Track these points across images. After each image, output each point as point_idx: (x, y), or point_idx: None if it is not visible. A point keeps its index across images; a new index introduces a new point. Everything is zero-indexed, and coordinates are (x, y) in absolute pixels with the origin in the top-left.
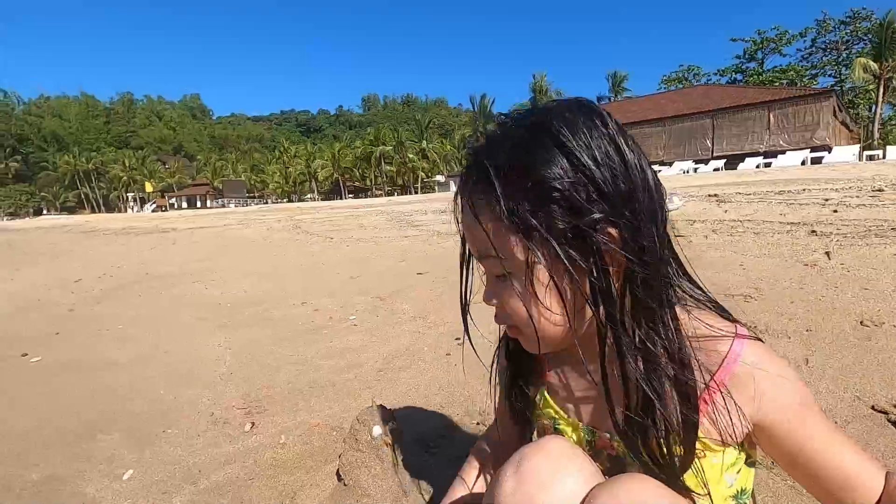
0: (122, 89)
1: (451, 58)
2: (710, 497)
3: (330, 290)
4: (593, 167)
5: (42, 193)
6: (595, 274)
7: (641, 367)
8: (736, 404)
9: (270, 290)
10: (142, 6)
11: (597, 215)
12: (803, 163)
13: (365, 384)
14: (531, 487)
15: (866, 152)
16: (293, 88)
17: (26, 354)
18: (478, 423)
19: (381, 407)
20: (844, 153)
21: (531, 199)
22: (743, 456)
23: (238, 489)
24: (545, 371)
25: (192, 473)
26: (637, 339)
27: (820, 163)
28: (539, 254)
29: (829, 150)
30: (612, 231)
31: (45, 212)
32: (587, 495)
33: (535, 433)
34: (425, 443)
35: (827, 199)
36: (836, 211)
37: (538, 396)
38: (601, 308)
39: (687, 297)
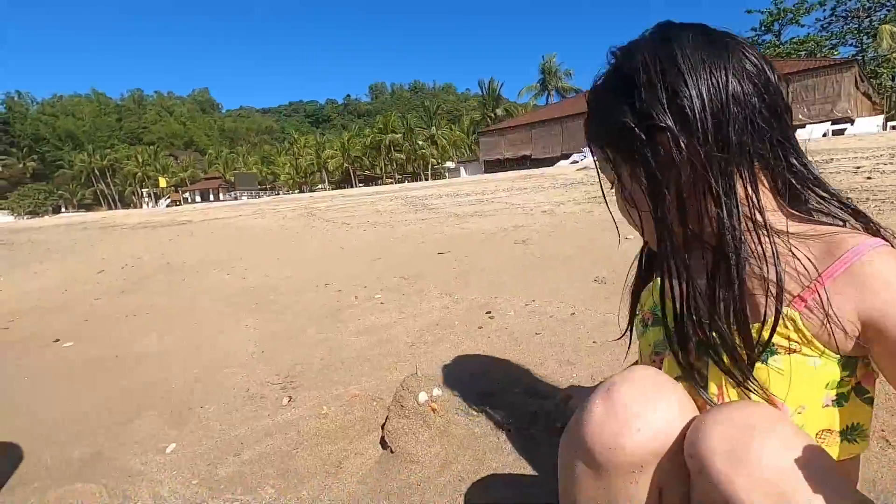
0: (132, 86)
1: (457, 43)
2: (792, 406)
3: (352, 272)
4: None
5: (59, 192)
6: (658, 169)
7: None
8: (836, 313)
9: (292, 275)
10: (148, 3)
11: (660, 117)
12: (825, 135)
13: (398, 358)
14: (622, 416)
15: (890, 123)
16: (300, 79)
17: (58, 340)
18: (519, 390)
19: (426, 375)
20: (867, 124)
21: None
22: (849, 380)
23: (282, 459)
24: None
25: (235, 445)
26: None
27: (842, 135)
28: (620, 155)
29: (852, 122)
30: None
31: (63, 209)
32: (690, 425)
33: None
34: (469, 410)
35: (858, 167)
36: (869, 178)
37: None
38: (666, 204)
39: (817, 200)
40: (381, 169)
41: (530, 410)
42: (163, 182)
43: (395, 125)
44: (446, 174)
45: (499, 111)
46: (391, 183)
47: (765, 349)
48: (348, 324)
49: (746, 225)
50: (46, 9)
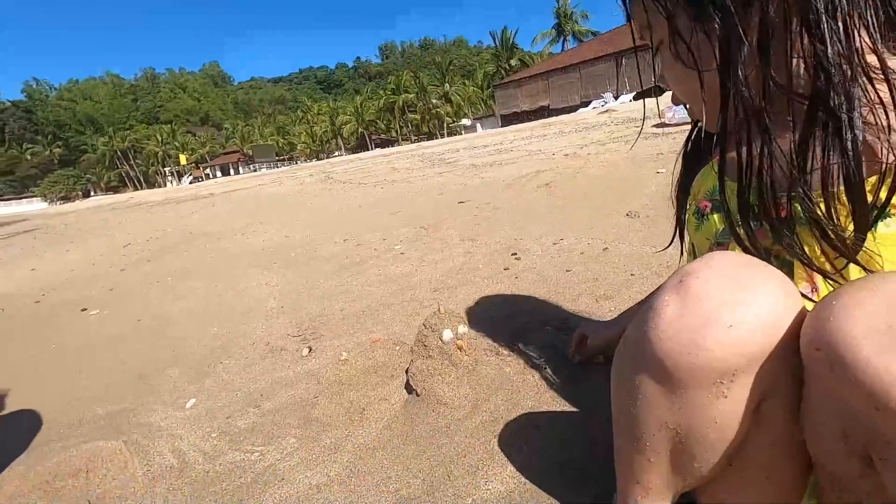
0: (143, 64)
1: None
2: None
3: (370, 227)
4: None
5: (87, 176)
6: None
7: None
8: None
9: (311, 233)
10: None
11: None
12: None
13: (421, 304)
14: (706, 310)
15: None
16: (309, 45)
17: (85, 309)
18: (552, 328)
19: (449, 312)
20: None
21: None
22: None
23: (304, 408)
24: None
25: (254, 397)
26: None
27: None
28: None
29: None
30: None
31: (92, 193)
32: (803, 314)
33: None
34: (499, 350)
35: None
36: None
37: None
38: (744, 51)
39: None
40: (396, 131)
41: (567, 349)
42: (183, 159)
43: (407, 85)
44: (462, 132)
45: (513, 62)
46: (407, 144)
47: (882, 212)
48: (368, 274)
49: (851, 66)
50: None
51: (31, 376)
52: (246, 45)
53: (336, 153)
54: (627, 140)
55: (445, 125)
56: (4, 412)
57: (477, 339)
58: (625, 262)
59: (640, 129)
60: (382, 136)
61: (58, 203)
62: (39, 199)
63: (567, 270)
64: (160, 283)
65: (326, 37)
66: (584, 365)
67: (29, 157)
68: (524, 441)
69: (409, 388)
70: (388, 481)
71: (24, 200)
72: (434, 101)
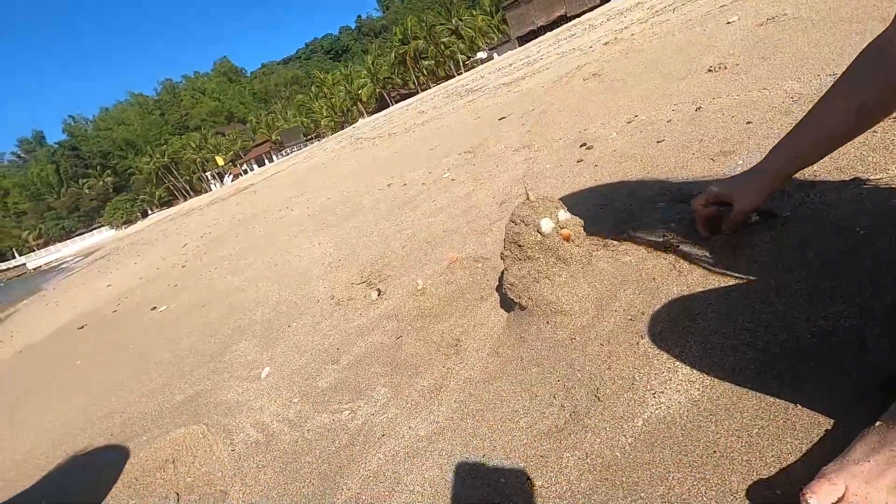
0: (160, 77)
1: None
2: None
3: (411, 166)
4: None
5: (140, 197)
6: None
7: None
8: None
9: (351, 189)
10: None
11: None
12: None
13: (490, 219)
14: None
15: None
16: (309, 17)
17: (155, 308)
18: (665, 202)
19: (543, 198)
20: None
21: None
22: None
23: (388, 353)
24: None
25: (331, 353)
26: None
27: None
28: None
29: None
30: None
31: (149, 212)
32: None
33: None
34: (607, 242)
35: None
36: None
37: None
38: None
39: None
40: (413, 82)
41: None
42: (220, 160)
43: (414, 31)
44: (480, 64)
45: None
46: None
47: None
48: (422, 208)
49: None
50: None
51: (113, 378)
52: (249, 31)
53: (359, 119)
54: (675, 7)
55: (461, 63)
56: (93, 418)
57: (579, 232)
58: (731, 113)
59: None
60: (401, 90)
61: (122, 227)
62: (107, 227)
63: (658, 142)
64: (218, 269)
65: (322, 3)
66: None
67: (87, 191)
68: (688, 333)
69: (508, 304)
70: (515, 415)
71: (94, 232)
72: (444, 40)
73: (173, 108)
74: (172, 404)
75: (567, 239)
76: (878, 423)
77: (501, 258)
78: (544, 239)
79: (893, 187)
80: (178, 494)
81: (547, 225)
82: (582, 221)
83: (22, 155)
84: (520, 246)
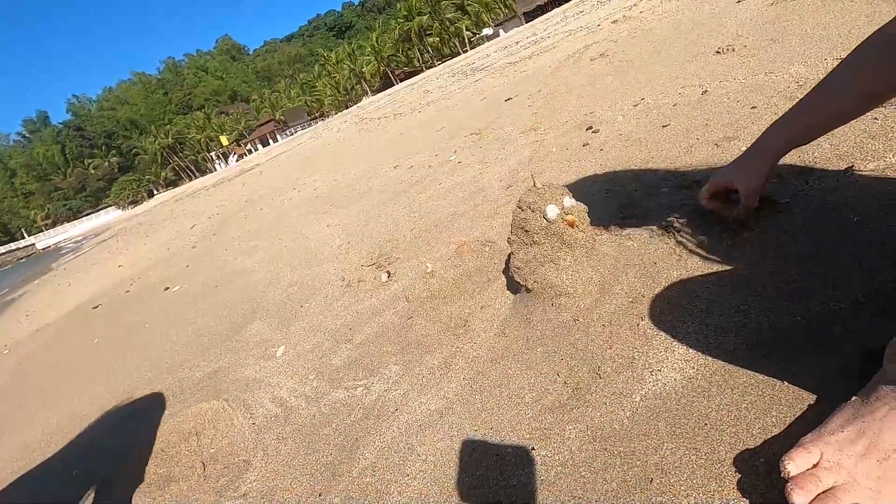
0: (162, 56)
1: None
2: None
3: (417, 148)
4: None
5: (146, 177)
6: None
7: None
8: None
9: (359, 171)
10: None
11: None
12: None
13: (497, 203)
14: None
15: None
16: None
17: (168, 288)
18: (669, 188)
19: (549, 185)
20: None
21: None
22: None
23: (399, 333)
24: None
25: (344, 333)
26: None
27: None
28: None
29: None
30: None
31: (155, 192)
32: None
33: None
34: (611, 227)
35: None
36: None
37: None
38: None
39: None
40: (418, 60)
41: (699, 202)
42: (224, 140)
43: (419, 6)
44: (486, 41)
45: None
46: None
47: None
48: (429, 191)
49: None
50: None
51: (132, 356)
52: (251, 6)
53: (364, 98)
54: None
55: (467, 40)
56: (116, 393)
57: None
58: (737, 98)
59: None
60: (405, 69)
61: (129, 208)
62: (113, 207)
63: (664, 126)
64: (228, 250)
65: None
66: (732, 221)
67: (93, 171)
68: (685, 315)
69: (515, 287)
70: (521, 392)
71: (101, 212)
72: (449, 16)
73: (176, 87)
74: (192, 381)
75: (572, 225)
76: (853, 399)
77: (508, 242)
78: (550, 225)
79: (890, 175)
80: (203, 464)
81: (552, 211)
82: (586, 208)
83: (27, 135)
84: (526, 231)
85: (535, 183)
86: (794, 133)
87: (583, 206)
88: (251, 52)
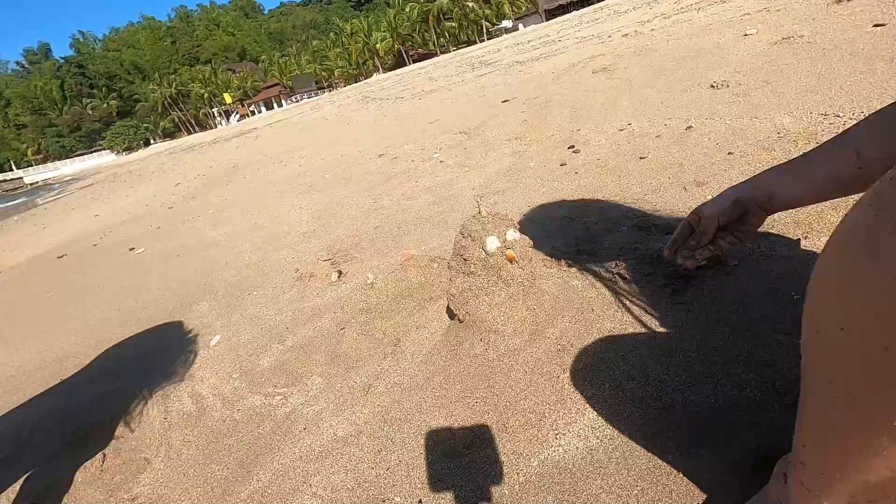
0: (175, 3)
1: None
2: None
3: (407, 139)
4: None
5: (144, 125)
6: None
7: None
8: None
9: (347, 153)
10: None
11: None
12: None
13: (464, 213)
14: None
15: None
16: None
17: (133, 248)
18: (629, 227)
19: (494, 214)
20: None
21: None
22: None
23: (330, 342)
24: None
25: (279, 332)
26: None
27: None
28: None
29: None
30: None
31: (151, 141)
32: None
33: None
34: (560, 261)
35: None
36: None
37: None
38: None
39: None
40: (433, 43)
41: (651, 249)
42: (228, 98)
43: None
44: (504, 34)
45: None
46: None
47: None
48: (404, 188)
49: None
50: None
51: (77, 318)
52: None
53: (374, 73)
54: (700, 7)
55: (485, 29)
56: (47, 359)
57: (532, 249)
58: (717, 140)
59: None
60: (420, 50)
61: (123, 153)
62: (108, 151)
63: (641, 158)
64: (202, 217)
65: None
66: (676, 272)
67: (90, 112)
68: (605, 377)
69: (450, 313)
70: (427, 430)
71: (94, 154)
72: (471, 3)
73: (186, 37)
74: (124, 359)
75: (511, 260)
76: None
77: (448, 266)
78: (488, 257)
79: None
80: (104, 455)
81: (492, 244)
82: (531, 242)
83: (26, 66)
84: (465, 260)
85: (480, 209)
86: (780, 181)
87: (527, 241)
88: (266, 12)
